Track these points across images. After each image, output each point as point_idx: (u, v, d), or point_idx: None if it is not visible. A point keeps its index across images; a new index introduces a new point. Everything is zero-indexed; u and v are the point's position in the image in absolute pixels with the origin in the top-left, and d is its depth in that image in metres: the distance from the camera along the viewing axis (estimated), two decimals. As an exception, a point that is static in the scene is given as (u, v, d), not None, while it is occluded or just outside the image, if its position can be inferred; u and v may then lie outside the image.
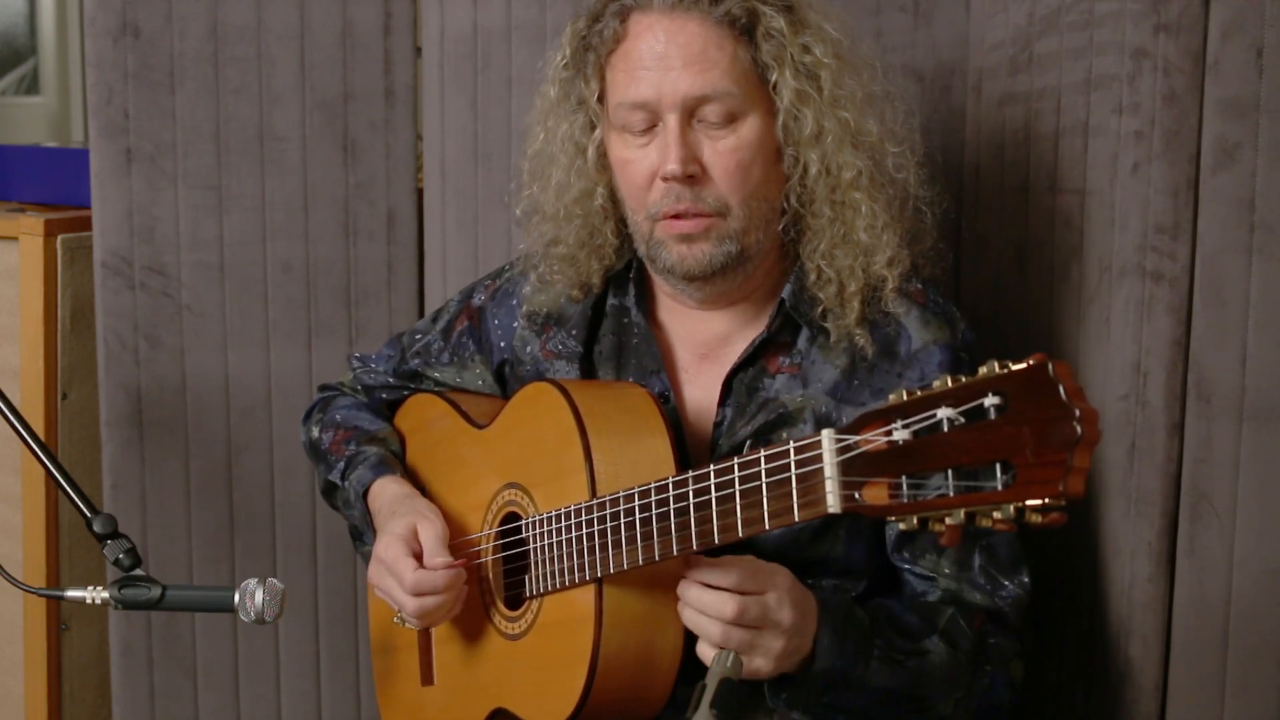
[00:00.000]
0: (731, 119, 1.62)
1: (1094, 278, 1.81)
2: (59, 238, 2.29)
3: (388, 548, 1.71)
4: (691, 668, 1.52)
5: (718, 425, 1.71)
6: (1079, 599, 1.86)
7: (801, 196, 1.68)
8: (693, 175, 1.62)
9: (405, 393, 1.99)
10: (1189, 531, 1.70)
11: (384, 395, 2.01)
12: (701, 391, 1.74)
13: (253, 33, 2.26)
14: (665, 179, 1.62)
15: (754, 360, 1.70)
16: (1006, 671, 1.65)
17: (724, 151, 1.62)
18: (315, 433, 1.98)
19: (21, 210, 2.40)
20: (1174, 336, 1.68)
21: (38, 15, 5.72)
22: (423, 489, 1.86)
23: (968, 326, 1.73)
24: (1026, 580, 1.69)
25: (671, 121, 1.62)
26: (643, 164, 1.65)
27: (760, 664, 1.49)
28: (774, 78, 1.63)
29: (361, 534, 1.90)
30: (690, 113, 1.62)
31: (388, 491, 1.82)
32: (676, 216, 1.64)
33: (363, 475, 1.85)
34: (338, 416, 1.96)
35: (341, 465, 1.89)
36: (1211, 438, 1.68)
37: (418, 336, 1.98)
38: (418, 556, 1.69)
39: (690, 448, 1.72)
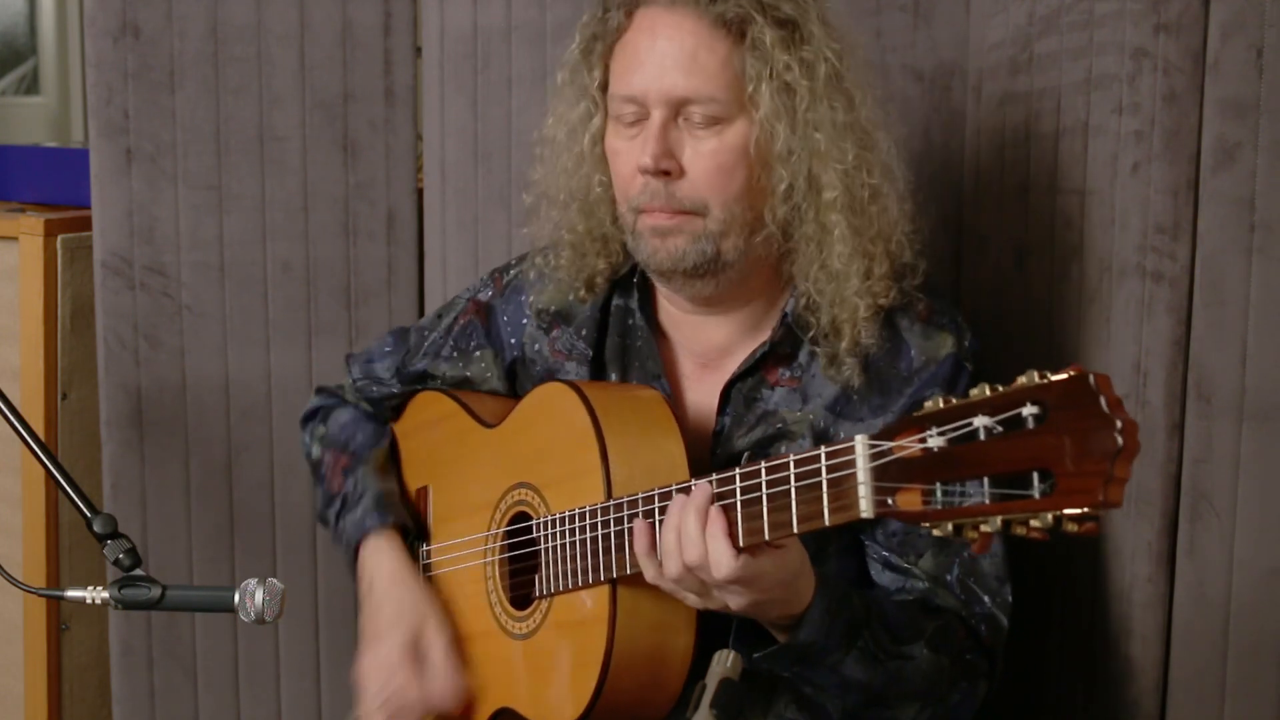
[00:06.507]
0: (715, 122, 1.61)
1: (1094, 278, 1.81)
2: (59, 238, 2.29)
3: (387, 657, 1.77)
4: (701, 669, 1.52)
5: (716, 434, 1.71)
6: (1079, 599, 1.86)
7: (784, 214, 1.65)
8: (667, 171, 1.61)
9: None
10: (1189, 531, 1.70)
11: (391, 405, 1.99)
12: (702, 398, 1.74)
13: (253, 33, 2.26)
14: (641, 172, 1.63)
15: (754, 370, 1.70)
16: (975, 691, 1.64)
17: (704, 153, 1.62)
18: (317, 451, 1.97)
19: (21, 210, 2.40)
20: (1174, 336, 1.68)
21: (38, 15, 5.73)
22: (427, 487, 1.86)
23: (974, 336, 1.71)
24: (1009, 600, 1.66)
25: (656, 117, 1.61)
26: (629, 156, 1.65)
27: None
28: (751, 88, 1.61)
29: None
30: (676, 111, 1.62)
31: (383, 566, 1.82)
32: (652, 211, 1.64)
33: (358, 520, 1.84)
34: (338, 434, 1.96)
35: (337, 505, 1.88)
36: (1211, 438, 1.68)
37: (425, 333, 1.96)
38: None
39: (689, 454, 1.71)
